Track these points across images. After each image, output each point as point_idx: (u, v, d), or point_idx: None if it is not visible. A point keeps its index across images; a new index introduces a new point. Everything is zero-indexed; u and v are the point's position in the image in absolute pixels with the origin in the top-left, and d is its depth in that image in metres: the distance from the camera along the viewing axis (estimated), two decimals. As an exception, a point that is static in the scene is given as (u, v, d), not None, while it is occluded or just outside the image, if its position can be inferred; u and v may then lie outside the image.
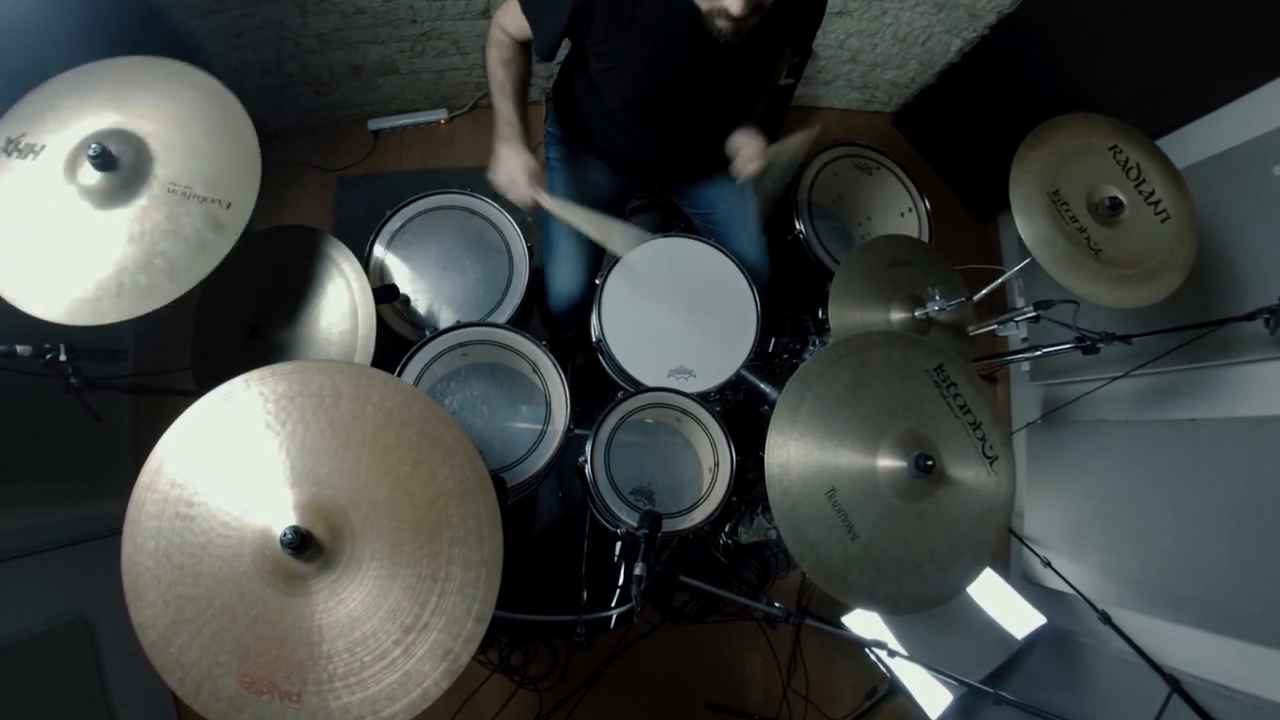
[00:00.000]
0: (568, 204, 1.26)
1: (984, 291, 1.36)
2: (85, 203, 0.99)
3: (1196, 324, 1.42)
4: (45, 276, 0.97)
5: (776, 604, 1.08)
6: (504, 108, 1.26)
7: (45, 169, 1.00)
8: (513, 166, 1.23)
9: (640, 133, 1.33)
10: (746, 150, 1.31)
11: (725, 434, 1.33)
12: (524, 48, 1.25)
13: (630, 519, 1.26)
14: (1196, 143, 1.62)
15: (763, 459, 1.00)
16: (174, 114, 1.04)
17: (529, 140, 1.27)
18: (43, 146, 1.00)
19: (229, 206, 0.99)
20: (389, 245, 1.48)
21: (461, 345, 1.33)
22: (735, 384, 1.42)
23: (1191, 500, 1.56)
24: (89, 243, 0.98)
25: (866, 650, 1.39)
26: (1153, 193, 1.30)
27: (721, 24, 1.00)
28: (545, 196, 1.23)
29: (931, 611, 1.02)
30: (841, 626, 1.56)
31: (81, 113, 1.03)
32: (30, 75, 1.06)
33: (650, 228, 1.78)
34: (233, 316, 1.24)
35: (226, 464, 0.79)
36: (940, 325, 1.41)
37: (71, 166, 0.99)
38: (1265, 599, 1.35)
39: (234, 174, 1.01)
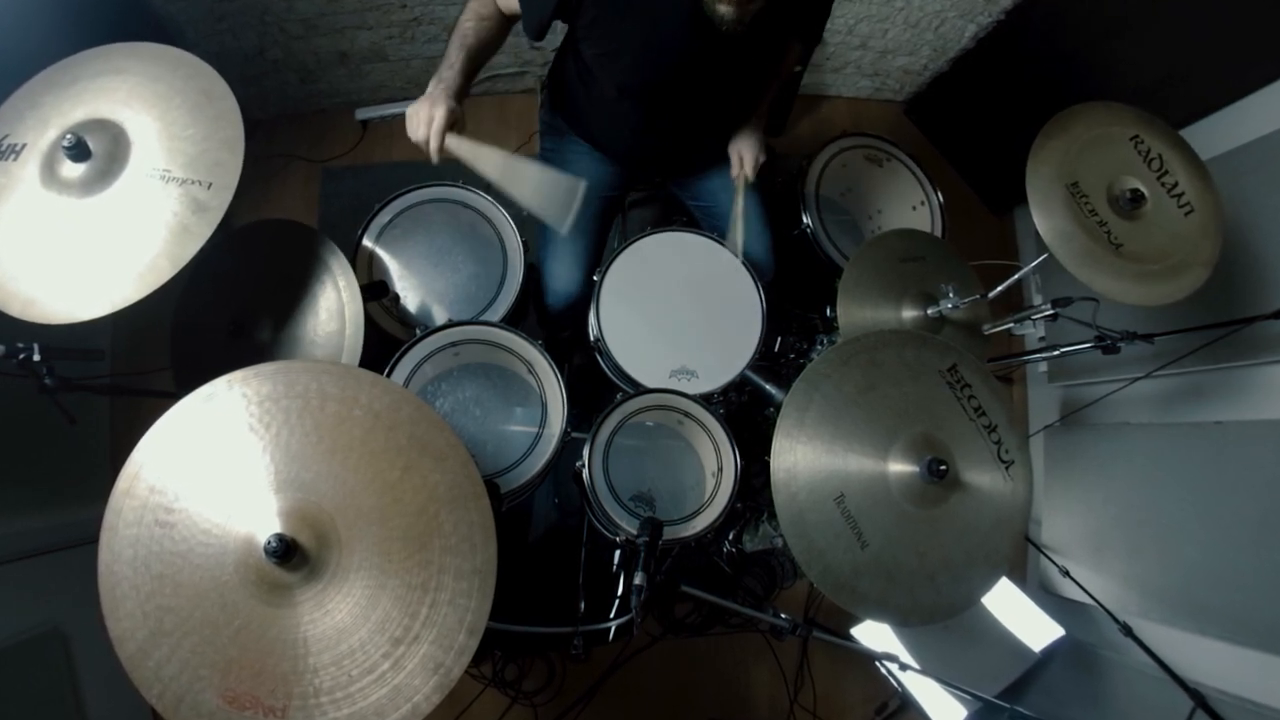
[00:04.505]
0: (474, 144, 1.05)
1: (1000, 288, 1.33)
2: (66, 197, 0.98)
3: (1222, 322, 1.40)
4: (25, 275, 0.96)
5: (783, 615, 1.07)
6: (453, 55, 1.10)
7: (26, 168, 1.00)
8: (425, 106, 1.04)
9: (637, 122, 1.31)
10: (747, 160, 1.36)
11: (729, 437, 1.31)
12: (505, 19, 1.17)
13: (630, 526, 1.24)
14: (1222, 133, 1.59)
15: (768, 463, 0.98)
16: (151, 95, 1.03)
17: (462, 95, 1.09)
18: (23, 146, 1.00)
19: (209, 187, 0.98)
20: (378, 240, 1.45)
21: (453, 344, 1.32)
22: (739, 385, 1.40)
23: (1217, 506, 1.53)
24: (70, 237, 0.97)
25: (877, 663, 1.38)
26: (1176, 185, 1.27)
27: (723, 9, 0.97)
28: (443, 141, 1.04)
29: (945, 623, 1.00)
30: (850, 639, 1.55)
31: (60, 107, 1.03)
32: (14, 73, 1.05)
33: (650, 222, 1.76)
34: (214, 315, 1.23)
35: (208, 469, 0.78)
36: (954, 323, 1.38)
37: (50, 162, 0.99)
38: (1295, 610, 1.33)
39: (214, 151, 1.00)
